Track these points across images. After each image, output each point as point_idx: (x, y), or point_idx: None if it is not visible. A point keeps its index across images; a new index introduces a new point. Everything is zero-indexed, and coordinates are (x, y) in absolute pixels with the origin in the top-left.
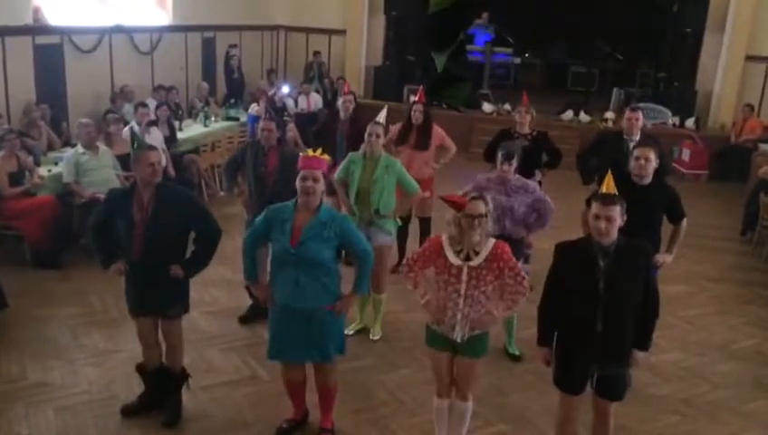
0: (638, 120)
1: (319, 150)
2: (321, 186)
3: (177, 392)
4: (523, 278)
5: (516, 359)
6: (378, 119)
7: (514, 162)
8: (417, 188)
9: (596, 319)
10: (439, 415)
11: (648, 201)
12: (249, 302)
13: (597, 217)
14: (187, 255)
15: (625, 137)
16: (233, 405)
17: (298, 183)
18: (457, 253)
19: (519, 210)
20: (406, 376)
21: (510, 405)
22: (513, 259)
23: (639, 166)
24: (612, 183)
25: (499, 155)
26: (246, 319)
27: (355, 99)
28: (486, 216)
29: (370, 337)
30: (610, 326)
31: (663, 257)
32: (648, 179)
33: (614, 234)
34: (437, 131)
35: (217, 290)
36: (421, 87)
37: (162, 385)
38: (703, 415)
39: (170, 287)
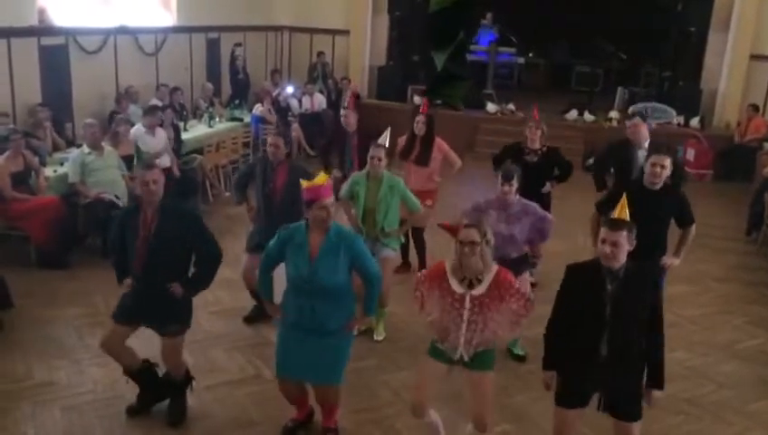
0: (638, 127)
1: (321, 175)
2: (333, 209)
3: (180, 393)
4: (528, 301)
5: (520, 359)
6: (380, 141)
7: (515, 183)
8: (419, 206)
9: (601, 343)
10: (433, 430)
11: (658, 207)
12: (253, 302)
13: (603, 241)
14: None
15: (633, 145)
16: (237, 404)
17: (310, 215)
18: (461, 280)
19: (519, 237)
20: (410, 376)
21: (514, 405)
22: (516, 284)
23: (654, 173)
24: (625, 210)
25: (499, 177)
26: (251, 319)
27: (358, 98)
28: (481, 243)
29: (374, 337)
30: (615, 350)
31: (670, 260)
32: (659, 186)
33: (621, 258)
34: (440, 146)
35: (221, 290)
36: (425, 95)
37: (157, 384)
38: (707, 415)
39: (168, 305)
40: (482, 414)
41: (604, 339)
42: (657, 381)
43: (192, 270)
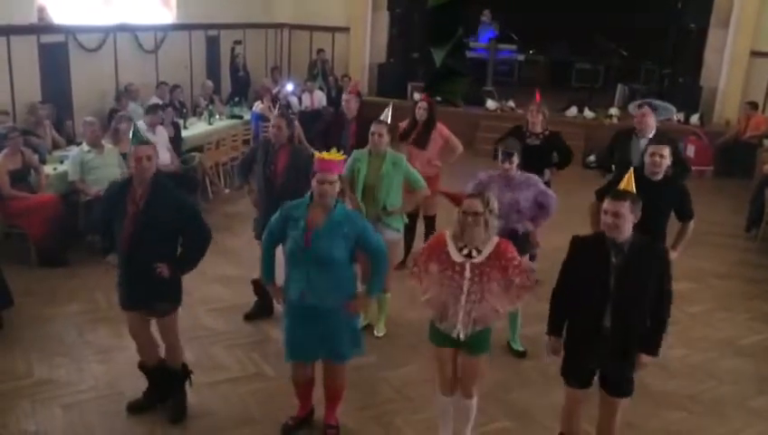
0: (646, 117)
1: (333, 151)
2: (337, 187)
3: (180, 389)
4: (530, 273)
5: (520, 355)
6: (382, 117)
7: (515, 159)
8: (423, 183)
9: (604, 315)
10: (443, 412)
11: (659, 197)
12: (254, 299)
13: (605, 211)
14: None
15: (636, 135)
16: (238, 402)
17: (314, 185)
18: (460, 249)
19: (524, 205)
20: (410, 373)
21: (514, 401)
22: (517, 256)
23: (654, 162)
24: (632, 183)
25: (499, 154)
26: (251, 316)
27: (360, 96)
28: (485, 213)
29: (375, 334)
30: (618, 323)
31: (670, 254)
32: (660, 176)
33: (624, 230)
34: (441, 131)
35: (222, 287)
36: (424, 91)
37: (165, 382)
38: (709, 411)
39: (156, 283)
40: (470, 387)
41: (608, 312)
42: (652, 346)
43: (179, 250)
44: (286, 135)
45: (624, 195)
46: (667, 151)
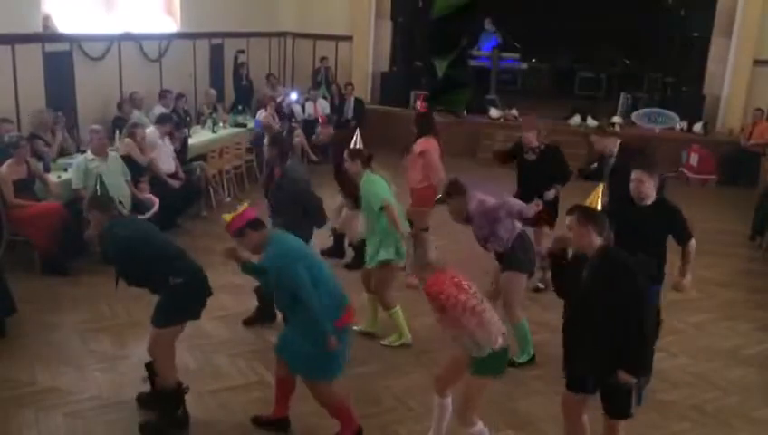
0: (641, 184)
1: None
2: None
3: (158, 408)
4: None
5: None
6: (351, 145)
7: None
8: (379, 203)
9: (576, 323)
10: None
11: (648, 222)
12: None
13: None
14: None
15: (605, 155)
16: (241, 410)
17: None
18: None
19: (489, 231)
20: (413, 381)
21: (518, 411)
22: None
23: (635, 188)
24: (597, 199)
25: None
26: (251, 321)
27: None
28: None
29: (382, 343)
30: (588, 335)
31: (681, 283)
32: (649, 200)
33: (575, 243)
34: (421, 142)
35: (225, 295)
36: (421, 97)
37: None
38: (712, 421)
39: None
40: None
41: (578, 320)
42: (629, 363)
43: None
44: (273, 154)
45: (572, 210)
46: (646, 176)
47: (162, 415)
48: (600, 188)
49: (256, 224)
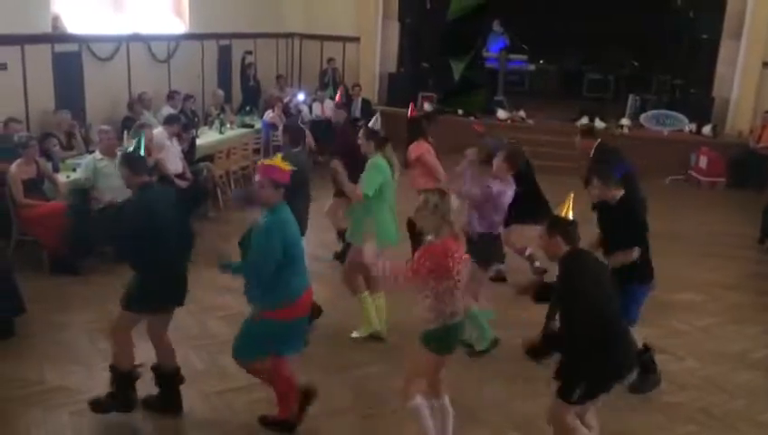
0: (594, 188)
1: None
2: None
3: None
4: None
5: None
6: (370, 125)
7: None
8: (363, 188)
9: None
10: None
11: (615, 220)
12: None
13: None
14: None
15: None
16: (247, 410)
17: None
18: None
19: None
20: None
21: (520, 412)
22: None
23: (589, 193)
24: (567, 211)
25: None
26: None
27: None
28: None
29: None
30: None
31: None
32: (613, 201)
33: (547, 254)
34: (414, 148)
35: (230, 294)
36: (411, 104)
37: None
38: (718, 425)
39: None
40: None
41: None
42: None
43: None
44: (285, 141)
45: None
46: (595, 181)
47: (111, 393)
48: (572, 196)
49: (280, 186)
